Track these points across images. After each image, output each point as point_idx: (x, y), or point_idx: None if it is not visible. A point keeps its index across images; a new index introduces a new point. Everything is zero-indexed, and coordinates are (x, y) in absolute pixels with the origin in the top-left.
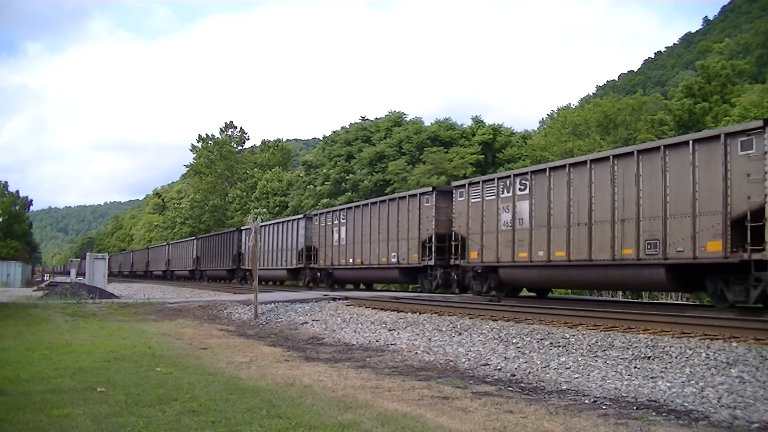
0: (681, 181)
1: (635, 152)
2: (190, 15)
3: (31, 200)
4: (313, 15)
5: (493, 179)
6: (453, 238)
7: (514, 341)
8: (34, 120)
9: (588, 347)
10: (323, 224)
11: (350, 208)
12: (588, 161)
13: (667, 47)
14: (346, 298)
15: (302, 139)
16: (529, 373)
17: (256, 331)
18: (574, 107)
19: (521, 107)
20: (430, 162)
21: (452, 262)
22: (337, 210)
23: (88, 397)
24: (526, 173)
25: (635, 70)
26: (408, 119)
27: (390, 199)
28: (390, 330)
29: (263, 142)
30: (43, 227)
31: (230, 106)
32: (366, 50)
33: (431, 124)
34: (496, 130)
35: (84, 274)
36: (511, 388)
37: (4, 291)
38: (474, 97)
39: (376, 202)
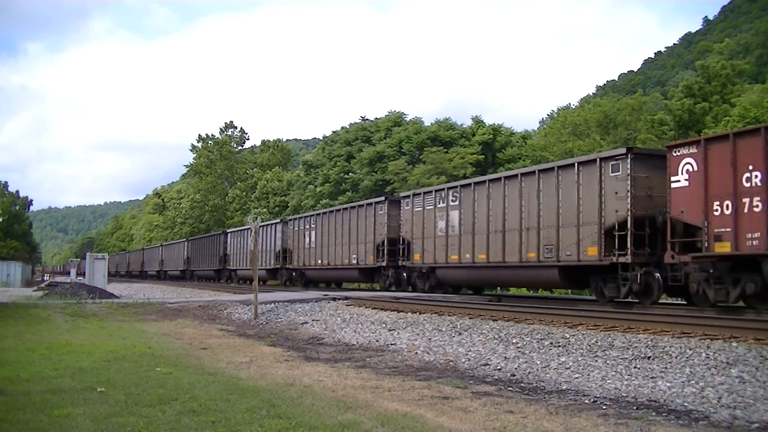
0: (569, 197)
1: (536, 171)
2: (190, 15)
3: (31, 200)
4: (313, 15)
5: (432, 191)
6: (401, 242)
7: (514, 341)
8: (34, 120)
9: (588, 347)
10: (296, 228)
11: (318, 214)
12: (502, 178)
13: (667, 47)
14: (346, 298)
15: (302, 139)
16: (529, 373)
17: (256, 331)
18: (574, 107)
19: (521, 107)
20: (430, 162)
21: (400, 263)
22: (308, 216)
23: (88, 397)
24: (456, 186)
25: (635, 70)
26: (408, 119)
27: (351, 207)
28: (390, 330)
29: (263, 142)
30: (43, 227)
31: (230, 106)
32: (366, 50)
33: (431, 124)
34: (496, 130)
35: (84, 274)
36: (511, 388)
37: (4, 291)
38: (474, 97)
39: (339, 209)
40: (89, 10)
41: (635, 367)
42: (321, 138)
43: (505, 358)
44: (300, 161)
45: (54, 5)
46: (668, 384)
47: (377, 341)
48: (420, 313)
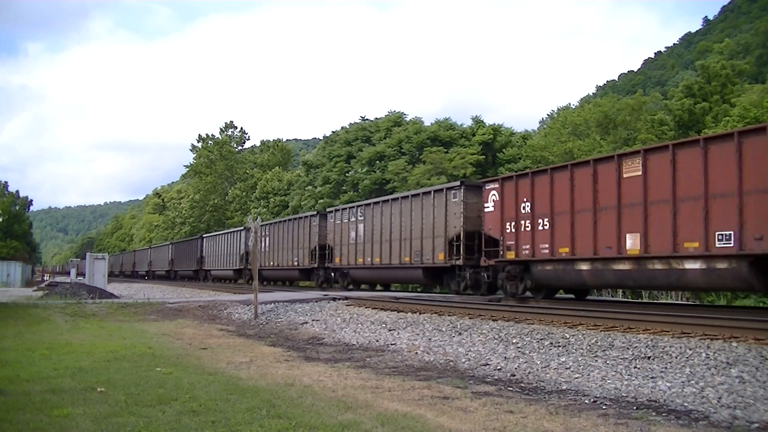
0: (428, 216)
1: (409, 196)
2: (190, 15)
3: (31, 200)
4: (313, 15)
5: (347, 208)
6: (326, 248)
7: (514, 341)
8: (34, 120)
9: (588, 347)
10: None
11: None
12: (389, 200)
13: (667, 47)
14: (346, 298)
15: (302, 139)
16: (529, 373)
17: (256, 331)
18: (574, 107)
19: (521, 107)
20: (430, 162)
21: (326, 264)
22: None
23: (88, 397)
24: (362, 205)
25: (635, 70)
26: (408, 119)
27: (293, 219)
28: (390, 330)
29: (263, 142)
30: (43, 227)
31: (230, 106)
32: (366, 50)
33: (431, 124)
34: (496, 130)
35: (84, 274)
36: (511, 388)
37: (4, 291)
38: (474, 97)
39: (280, 222)
40: (89, 10)
41: (635, 367)
42: (321, 138)
43: (505, 358)
44: (300, 161)
45: (54, 5)
46: (668, 384)
47: (377, 341)
48: (420, 313)
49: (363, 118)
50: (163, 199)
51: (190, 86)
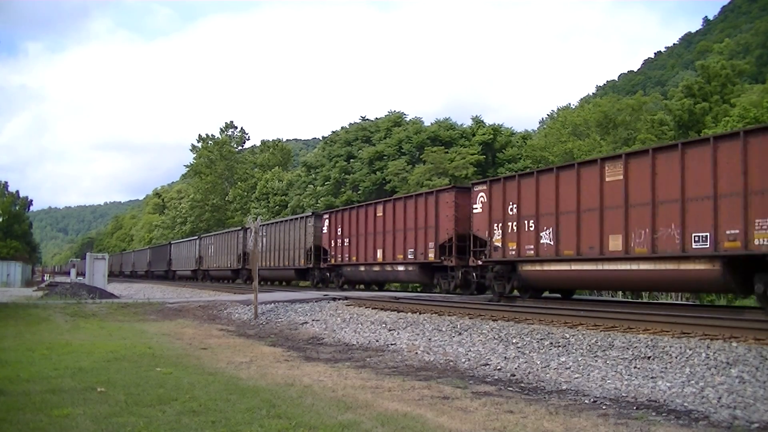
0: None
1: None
2: (190, 15)
3: (31, 200)
4: (314, 15)
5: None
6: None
7: (514, 341)
8: (35, 120)
9: (588, 347)
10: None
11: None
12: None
13: (667, 47)
14: (346, 298)
15: (302, 139)
16: (529, 373)
17: (256, 331)
18: (574, 107)
19: (521, 107)
20: (430, 162)
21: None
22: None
23: (88, 397)
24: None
25: (635, 70)
26: (408, 119)
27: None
28: (390, 330)
29: (263, 142)
30: (43, 227)
31: (230, 106)
32: (366, 50)
33: (431, 124)
34: (496, 130)
35: (84, 274)
36: (511, 388)
37: (4, 291)
38: (474, 97)
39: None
40: (90, 9)
41: (635, 367)
42: (321, 138)
43: (505, 358)
44: (300, 161)
45: (54, 5)
46: (668, 384)
47: (377, 341)
48: (420, 313)
49: (363, 118)
50: (163, 199)
51: (190, 86)
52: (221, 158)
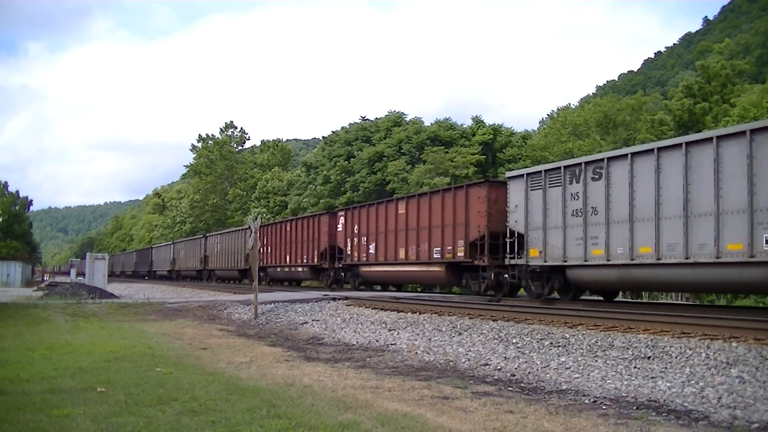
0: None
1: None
2: (191, 15)
3: (31, 200)
4: (314, 15)
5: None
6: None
7: (514, 341)
8: (35, 120)
9: (588, 347)
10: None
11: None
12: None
13: (667, 47)
14: (346, 298)
15: (302, 139)
16: (529, 373)
17: (256, 331)
18: (574, 107)
19: (521, 107)
20: (430, 162)
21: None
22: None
23: (88, 397)
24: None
25: (635, 70)
26: (408, 119)
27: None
28: (390, 330)
29: (263, 142)
30: (43, 227)
31: (230, 106)
32: (366, 50)
33: (431, 124)
34: (496, 130)
35: (84, 274)
36: (511, 388)
37: (4, 291)
38: (474, 97)
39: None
40: (90, 9)
41: (635, 367)
42: (321, 138)
43: (505, 358)
44: (300, 161)
45: (55, 5)
46: (668, 384)
47: (377, 341)
48: (420, 313)
49: (363, 118)
50: (163, 199)
51: (191, 86)
52: (221, 158)
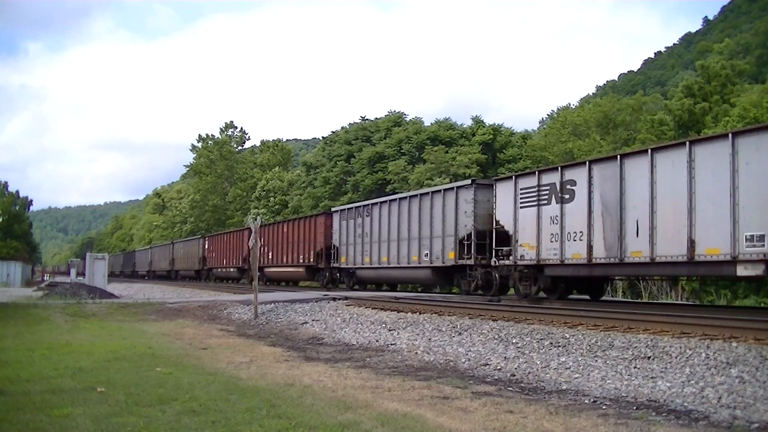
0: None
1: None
2: (191, 15)
3: (31, 200)
4: (314, 15)
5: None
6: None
7: (514, 341)
8: (35, 120)
9: (588, 347)
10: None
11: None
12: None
13: (667, 47)
14: (346, 298)
15: (302, 139)
16: (529, 373)
17: (256, 331)
18: (574, 107)
19: (521, 107)
20: (431, 161)
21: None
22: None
23: (88, 397)
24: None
25: (635, 70)
26: (408, 119)
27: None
28: (390, 330)
29: (263, 142)
30: (43, 227)
31: (230, 106)
32: (367, 50)
33: (431, 124)
34: (496, 130)
35: (84, 274)
36: (511, 388)
37: (4, 291)
38: (474, 97)
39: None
40: (91, 9)
41: (635, 367)
42: (321, 138)
43: (505, 358)
44: (300, 161)
45: (55, 5)
46: (668, 384)
47: (377, 341)
48: (420, 313)
49: (363, 118)
50: (163, 199)
51: (191, 86)
52: (221, 158)
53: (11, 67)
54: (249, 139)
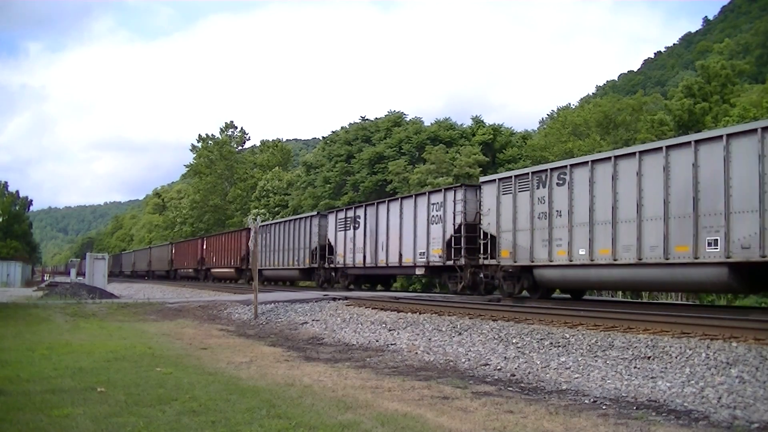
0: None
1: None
2: (192, 15)
3: (31, 200)
4: (314, 15)
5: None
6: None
7: (514, 341)
8: (35, 120)
9: (588, 347)
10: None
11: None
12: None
13: (667, 47)
14: (346, 298)
15: (302, 139)
16: (529, 373)
17: (256, 331)
18: (574, 107)
19: (521, 107)
20: (432, 161)
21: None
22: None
23: (88, 397)
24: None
25: (635, 70)
26: (408, 119)
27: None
28: (390, 330)
29: (263, 142)
30: (43, 227)
31: (230, 106)
32: (367, 50)
33: (431, 124)
34: (496, 130)
35: (84, 274)
36: (511, 388)
37: (4, 291)
38: (475, 97)
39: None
40: (91, 9)
41: (635, 367)
42: (321, 138)
43: (505, 358)
44: (300, 161)
45: (55, 4)
46: (668, 384)
47: (377, 341)
48: (420, 313)
49: (363, 118)
50: (163, 199)
51: (191, 86)
52: (221, 158)
53: (11, 67)
54: (249, 139)
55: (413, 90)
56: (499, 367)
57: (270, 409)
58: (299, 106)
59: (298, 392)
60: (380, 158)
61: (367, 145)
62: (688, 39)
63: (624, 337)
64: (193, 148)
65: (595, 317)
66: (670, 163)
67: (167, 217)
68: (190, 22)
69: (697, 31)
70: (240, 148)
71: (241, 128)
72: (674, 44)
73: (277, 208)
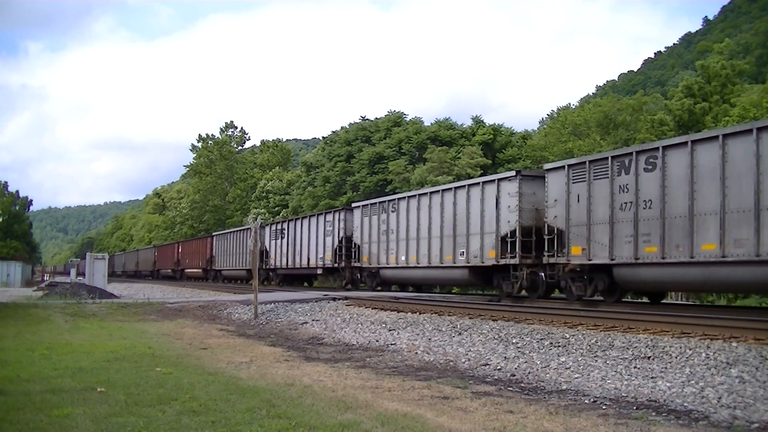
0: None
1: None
2: (191, 15)
3: (31, 200)
4: (314, 15)
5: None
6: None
7: (514, 341)
8: (35, 120)
9: (588, 347)
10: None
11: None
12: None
13: (667, 47)
14: (346, 298)
15: (302, 139)
16: (529, 373)
17: (256, 331)
18: (574, 107)
19: (521, 107)
20: (432, 161)
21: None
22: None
23: (88, 397)
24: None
25: (635, 70)
26: (408, 119)
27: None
28: (390, 330)
29: (263, 142)
30: (43, 227)
31: (230, 106)
32: (367, 50)
33: (431, 124)
34: (496, 130)
35: (84, 274)
36: (511, 388)
37: (4, 291)
38: (475, 97)
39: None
40: (91, 9)
41: (635, 367)
42: (321, 138)
43: (505, 358)
44: (300, 161)
45: (55, 4)
46: (668, 384)
47: (377, 341)
48: (420, 313)
49: (363, 118)
50: (163, 199)
51: (191, 86)
52: (221, 158)
53: (11, 67)
54: (249, 139)
55: (413, 90)
56: (499, 367)
57: (270, 409)
58: (299, 106)
59: (298, 392)
60: (380, 158)
61: (367, 145)
62: (688, 39)
63: (624, 337)
64: (193, 148)
65: (595, 317)
66: None
67: (167, 217)
68: (190, 21)
69: (697, 31)
70: (240, 148)
71: (241, 128)
72: (674, 44)
73: (277, 208)
